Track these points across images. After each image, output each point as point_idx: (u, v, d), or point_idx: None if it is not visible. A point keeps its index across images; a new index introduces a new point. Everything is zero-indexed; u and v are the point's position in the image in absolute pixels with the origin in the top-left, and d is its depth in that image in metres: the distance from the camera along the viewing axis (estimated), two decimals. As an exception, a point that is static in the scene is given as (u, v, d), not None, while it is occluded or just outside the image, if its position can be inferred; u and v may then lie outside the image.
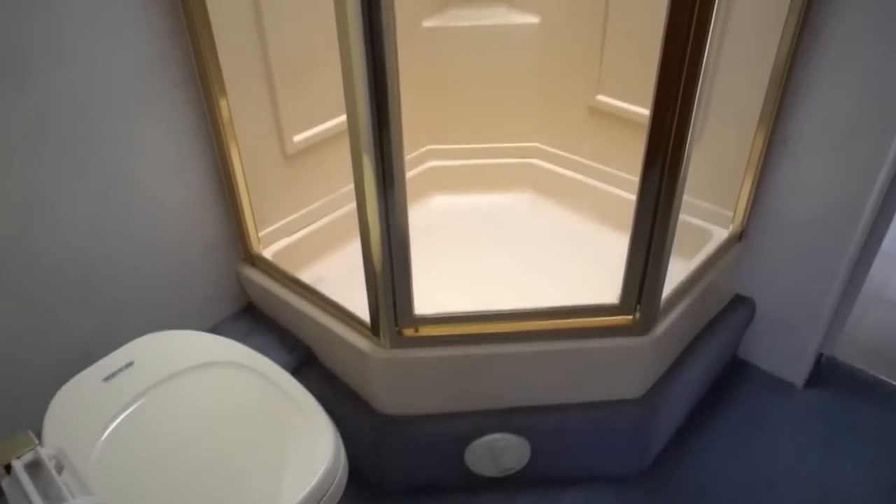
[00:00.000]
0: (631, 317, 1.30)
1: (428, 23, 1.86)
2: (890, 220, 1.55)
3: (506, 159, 2.03)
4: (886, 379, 1.80)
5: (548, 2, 1.81)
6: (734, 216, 1.63)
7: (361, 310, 1.34)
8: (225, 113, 1.41)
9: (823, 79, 1.40)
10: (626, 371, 1.40)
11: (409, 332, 1.32)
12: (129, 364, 1.22)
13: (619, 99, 1.78)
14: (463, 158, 2.05)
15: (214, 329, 1.61)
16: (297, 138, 1.64)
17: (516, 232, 1.93)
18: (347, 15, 0.95)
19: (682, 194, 1.16)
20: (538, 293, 1.39)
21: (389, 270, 1.22)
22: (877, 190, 1.44)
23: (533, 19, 1.85)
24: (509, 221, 1.97)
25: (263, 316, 1.65)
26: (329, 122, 1.69)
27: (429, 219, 1.99)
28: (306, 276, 1.67)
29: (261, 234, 1.63)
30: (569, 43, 1.83)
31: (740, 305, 1.73)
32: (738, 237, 1.65)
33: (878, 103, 1.35)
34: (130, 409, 1.16)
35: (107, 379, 1.19)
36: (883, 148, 1.38)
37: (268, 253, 1.64)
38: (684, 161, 1.12)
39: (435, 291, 1.33)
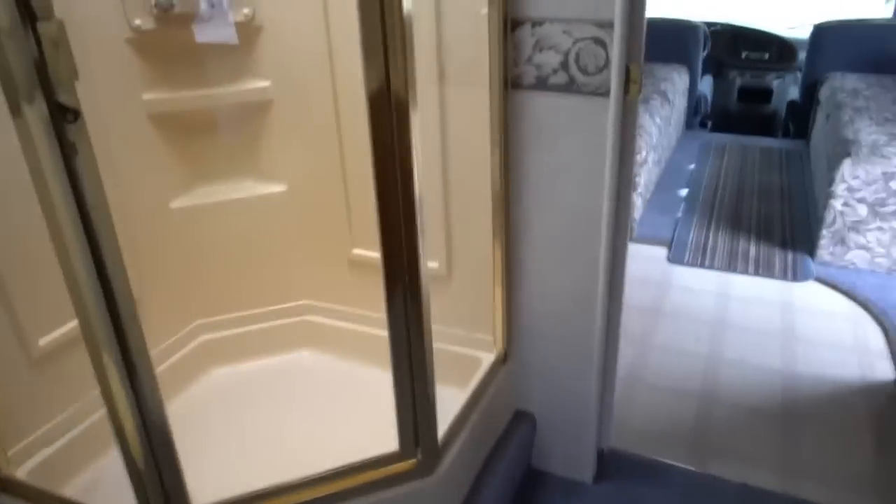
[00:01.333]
0: (414, 460, 1.33)
1: (177, 203, 1.87)
2: (620, 314, 1.77)
3: (279, 321, 2.04)
4: (661, 458, 1.98)
5: (292, 170, 1.92)
6: (495, 339, 1.76)
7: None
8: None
9: (531, 203, 1.61)
10: (422, 513, 1.41)
11: (190, 527, 1.23)
12: None
13: (372, 250, 1.89)
14: (236, 327, 2.02)
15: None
16: (43, 340, 1.53)
17: (299, 393, 1.91)
18: (60, 222, 0.94)
19: (430, 330, 1.25)
20: (329, 454, 1.38)
21: (154, 468, 1.15)
22: (601, 292, 1.64)
23: (280, 187, 1.94)
24: (291, 383, 1.95)
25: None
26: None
27: (208, 395, 1.92)
28: (75, 487, 1.52)
29: (11, 453, 1.46)
30: (318, 204, 1.93)
31: (521, 420, 1.84)
32: (504, 358, 1.78)
33: (578, 224, 1.58)
34: None
35: None
36: (594, 259, 1.60)
37: (22, 472, 1.46)
38: (424, 297, 1.21)
39: (222, 472, 1.27)
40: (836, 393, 2.26)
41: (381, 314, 1.93)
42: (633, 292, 2.39)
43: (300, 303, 2.06)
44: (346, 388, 1.92)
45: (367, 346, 1.98)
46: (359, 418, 1.77)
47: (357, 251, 1.93)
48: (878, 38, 4.19)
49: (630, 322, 2.59)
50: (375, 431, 1.61)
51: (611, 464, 1.95)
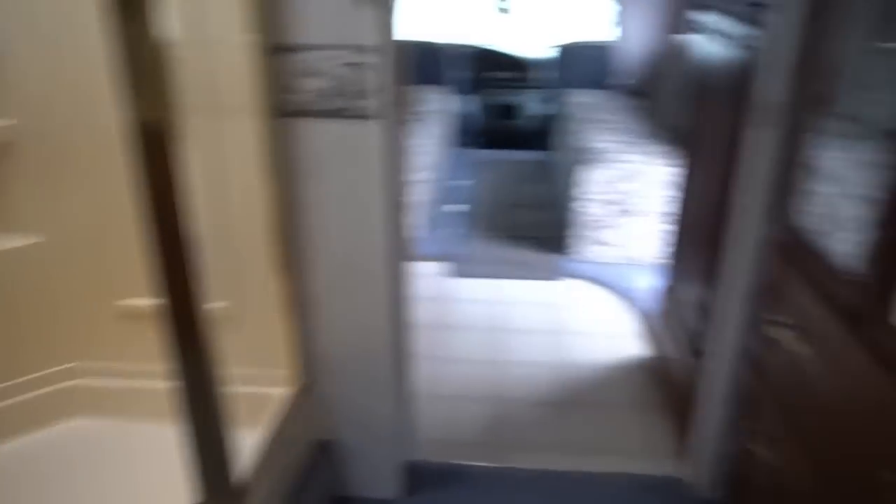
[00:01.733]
0: (217, 512, 1.27)
1: None
2: (409, 333, 1.84)
3: (42, 390, 1.81)
4: (466, 462, 2.08)
5: (49, 218, 1.72)
6: (294, 374, 1.73)
7: None
8: None
9: (313, 232, 1.63)
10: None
11: None
12: None
13: (147, 297, 1.77)
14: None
15: None
16: None
17: (77, 466, 1.71)
18: None
19: (217, 372, 1.20)
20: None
21: None
22: (388, 314, 1.69)
23: (36, 238, 1.74)
24: (65, 457, 1.74)
25: None
26: None
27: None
28: None
29: None
30: (83, 255, 1.76)
31: (325, 450, 1.83)
32: (303, 391, 1.75)
33: (358, 250, 1.62)
34: None
35: None
36: (377, 282, 1.66)
37: None
38: (209, 340, 1.17)
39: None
40: (604, 374, 2.54)
41: (163, 366, 1.82)
42: (419, 309, 2.48)
43: (68, 366, 1.84)
44: (132, 450, 1.76)
45: (152, 401, 1.83)
46: (152, 480, 1.64)
47: (130, 301, 1.78)
48: (609, 58, 4.79)
49: (421, 338, 2.69)
50: (175, 490, 1.50)
51: (419, 477, 2.00)
